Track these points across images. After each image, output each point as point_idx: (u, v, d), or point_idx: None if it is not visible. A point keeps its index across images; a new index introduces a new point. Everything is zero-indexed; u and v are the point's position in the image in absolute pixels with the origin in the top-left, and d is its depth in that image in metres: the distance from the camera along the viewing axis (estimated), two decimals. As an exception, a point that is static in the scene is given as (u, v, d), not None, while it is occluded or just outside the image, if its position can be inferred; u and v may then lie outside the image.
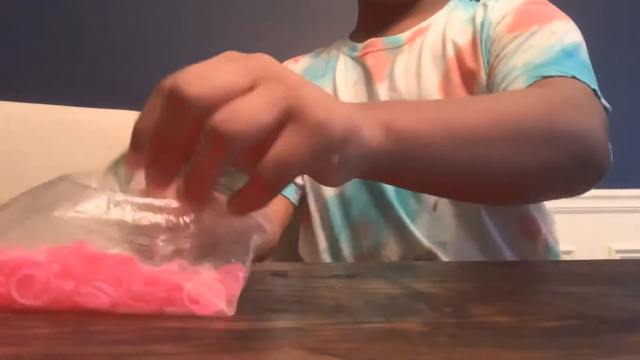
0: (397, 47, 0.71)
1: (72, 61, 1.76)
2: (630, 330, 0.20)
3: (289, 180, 0.27)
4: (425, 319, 0.21)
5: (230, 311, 0.25)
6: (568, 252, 1.40)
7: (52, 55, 1.75)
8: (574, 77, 0.52)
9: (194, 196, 0.27)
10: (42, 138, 1.02)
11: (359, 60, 0.74)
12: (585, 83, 0.52)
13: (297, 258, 0.77)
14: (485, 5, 0.67)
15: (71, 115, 1.07)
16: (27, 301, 0.24)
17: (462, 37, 0.66)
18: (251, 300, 0.27)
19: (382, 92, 0.69)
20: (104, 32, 1.79)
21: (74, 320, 0.22)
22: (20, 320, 0.22)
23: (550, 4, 0.65)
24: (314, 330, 0.20)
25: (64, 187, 0.29)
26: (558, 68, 0.54)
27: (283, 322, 0.22)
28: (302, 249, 0.76)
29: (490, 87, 0.61)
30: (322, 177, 0.32)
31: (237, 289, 0.26)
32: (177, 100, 0.26)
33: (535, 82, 0.53)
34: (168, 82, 0.27)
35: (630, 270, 0.45)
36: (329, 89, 0.75)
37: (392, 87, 0.69)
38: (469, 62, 0.64)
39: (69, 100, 1.09)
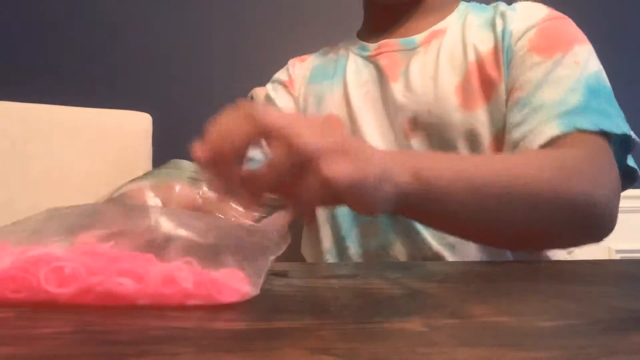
0: (412, 49, 0.72)
1: (72, 61, 1.76)
2: (630, 330, 0.20)
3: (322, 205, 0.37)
4: (425, 319, 0.21)
5: (254, 291, 0.26)
6: (568, 252, 1.40)
7: (52, 55, 1.75)
8: (602, 131, 0.56)
9: (250, 199, 0.36)
10: (42, 138, 1.02)
11: (371, 60, 0.74)
12: (610, 134, 0.56)
13: (299, 258, 0.77)
14: (503, 15, 0.67)
15: (71, 115, 1.07)
16: (53, 289, 0.24)
17: (483, 43, 0.67)
18: (251, 300, 0.27)
19: (397, 91, 0.70)
20: (105, 32, 1.79)
21: (74, 320, 0.22)
22: (20, 320, 0.22)
23: (568, 20, 0.66)
24: (314, 330, 0.20)
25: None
26: (589, 117, 0.57)
27: (283, 322, 0.22)
28: (305, 249, 0.76)
29: (511, 109, 0.63)
30: (362, 207, 0.38)
31: (258, 271, 0.27)
32: (249, 113, 0.34)
33: (568, 133, 0.56)
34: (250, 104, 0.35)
35: (630, 270, 0.45)
36: (339, 89, 0.75)
37: (407, 86, 0.69)
38: (490, 70, 0.65)
39: (69, 100, 1.09)
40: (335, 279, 0.37)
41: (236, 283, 0.26)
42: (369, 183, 0.37)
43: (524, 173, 0.48)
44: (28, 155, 1.00)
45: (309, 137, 0.34)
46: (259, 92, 1.08)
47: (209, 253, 0.27)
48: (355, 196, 0.37)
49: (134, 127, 1.09)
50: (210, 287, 0.25)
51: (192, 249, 0.27)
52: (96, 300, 0.25)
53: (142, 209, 0.32)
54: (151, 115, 1.11)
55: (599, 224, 0.52)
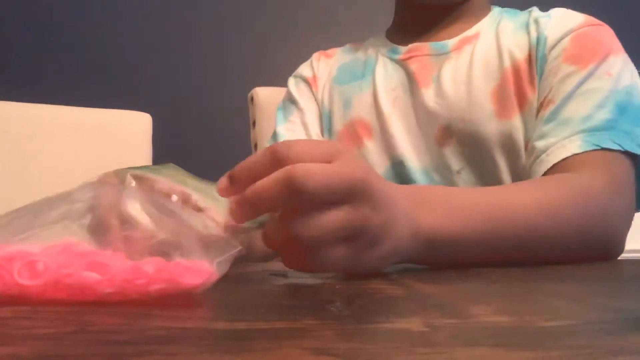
0: (444, 54, 0.71)
1: (72, 61, 1.76)
2: (630, 330, 0.20)
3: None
4: (425, 319, 0.21)
5: (218, 273, 0.26)
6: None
7: (52, 55, 1.75)
8: (626, 152, 0.57)
9: (240, 216, 0.34)
10: (42, 138, 1.02)
11: (401, 64, 0.73)
12: (635, 155, 0.58)
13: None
14: (537, 21, 0.67)
15: (71, 115, 1.07)
16: (24, 281, 0.25)
17: (519, 49, 0.67)
18: (251, 300, 0.27)
19: (428, 97, 0.69)
20: (104, 32, 1.79)
21: (74, 320, 0.22)
22: (20, 320, 0.22)
23: (605, 27, 0.66)
24: (314, 330, 0.20)
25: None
26: (614, 136, 0.57)
27: (283, 322, 0.22)
28: None
29: (540, 119, 0.63)
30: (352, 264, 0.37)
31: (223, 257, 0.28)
32: (278, 159, 0.32)
33: (591, 150, 0.57)
34: (280, 147, 0.33)
35: (630, 270, 0.45)
36: (368, 92, 0.74)
37: (439, 92, 0.68)
38: (525, 81, 0.65)
39: (69, 100, 1.09)
40: (334, 278, 0.37)
41: (199, 266, 0.27)
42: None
43: (545, 219, 0.47)
44: (28, 155, 1.00)
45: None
46: (259, 91, 1.08)
47: (173, 247, 0.28)
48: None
49: (134, 127, 1.09)
50: (173, 271, 0.26)
51: (159, 245, 0.28)
52: (68, 295, 0.25)
53: (116, 191, 0.32)
54: (151, 115, 1.11)
55: (610, 248, 0.54)
